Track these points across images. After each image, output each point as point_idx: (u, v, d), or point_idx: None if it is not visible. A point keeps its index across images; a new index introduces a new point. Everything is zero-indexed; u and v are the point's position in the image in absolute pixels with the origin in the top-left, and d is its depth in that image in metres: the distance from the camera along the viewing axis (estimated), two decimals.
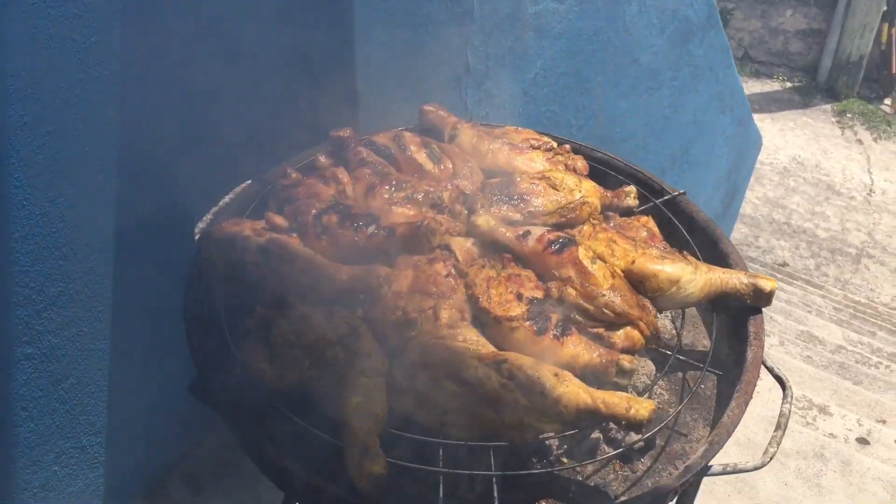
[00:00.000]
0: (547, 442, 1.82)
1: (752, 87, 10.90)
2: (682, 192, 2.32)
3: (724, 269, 2.00)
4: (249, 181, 2.29)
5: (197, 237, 2.16)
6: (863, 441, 4.40)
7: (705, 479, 1.97)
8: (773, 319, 6.20)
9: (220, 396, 1.79)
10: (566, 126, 3.75)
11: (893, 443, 4.39)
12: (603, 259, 1.96)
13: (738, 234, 8.43)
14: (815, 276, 8.14)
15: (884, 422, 4.76)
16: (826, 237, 8.67)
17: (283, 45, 2.63)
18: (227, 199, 2.26)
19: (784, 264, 8.25)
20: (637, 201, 2.24)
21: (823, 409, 4.66)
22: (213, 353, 1.90)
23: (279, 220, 2.00)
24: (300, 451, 1.73)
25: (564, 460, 1.85)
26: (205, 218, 2.20)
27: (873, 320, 7.05)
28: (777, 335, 5.97)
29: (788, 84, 11.18)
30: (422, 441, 1.70)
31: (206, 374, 1.83)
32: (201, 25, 2.70)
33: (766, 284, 1.95)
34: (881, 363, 5.85)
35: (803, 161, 9.76)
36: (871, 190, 9.37)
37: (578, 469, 1.83)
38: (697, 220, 2.26)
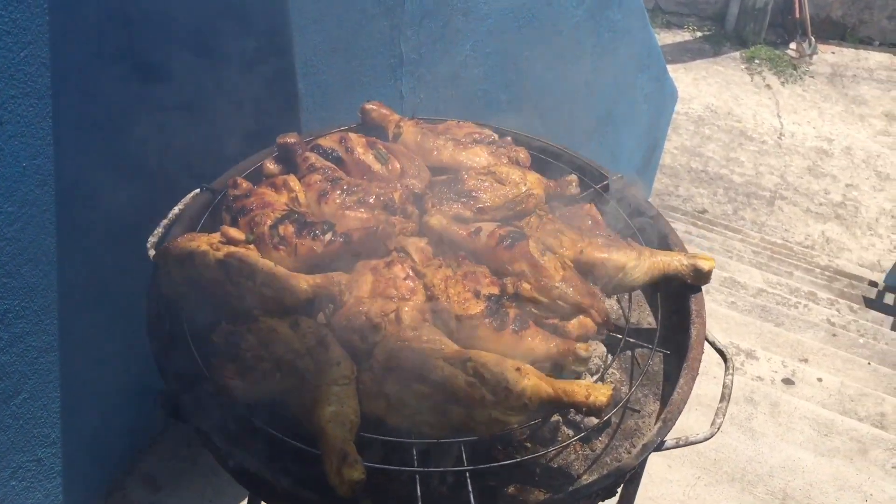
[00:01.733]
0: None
1: (664, 38, 11.13)
2: (619, 175, 2.42)
3: (666, 252, 2.12)
4: (197, 190, 2.30)
5: (150, 251, 2.16)
6: (788, 381, 4.68)
7: None
8: None
9: (194, 414, 1.82)
10: (497, 102, 3.82)
11: (816, 381, 4.68)
12: (552, 250, 2.05)
13: (658, 184, 8.69)
14: (734, 220, 8.47)
15: (806, 360, 5.05)
16: (741, 182, 9.01)
17: (221, 52, 2.62)
18: (176, 209, 2.26)
19: (703, 211, 8.55)
20: (579, 189, 2.34)
21: (750, 354, 4.92)
22: (182, 370, 1.93)
23: (235, 233, 2.02)
24: (277, 461, 1.79)
25: (528, 445, 1.96)
26: (156, 231, 2.20)
27: (790, 260, 7.41)
28: None
29: (699, 33, 11.46)
30: (395, 441, 1.78)
31: (179, 393, 1.85)
32: (134, 36, 2.66)
33: (705, 264, 2.08)
34: (800, 303, 6.18)
35: (716, 109, 10.07)
36: (781, 133, 9.75)
37: (543, 455, 1.94)
38: (636, 203, 2.37)
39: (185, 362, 1.94)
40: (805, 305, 6.19)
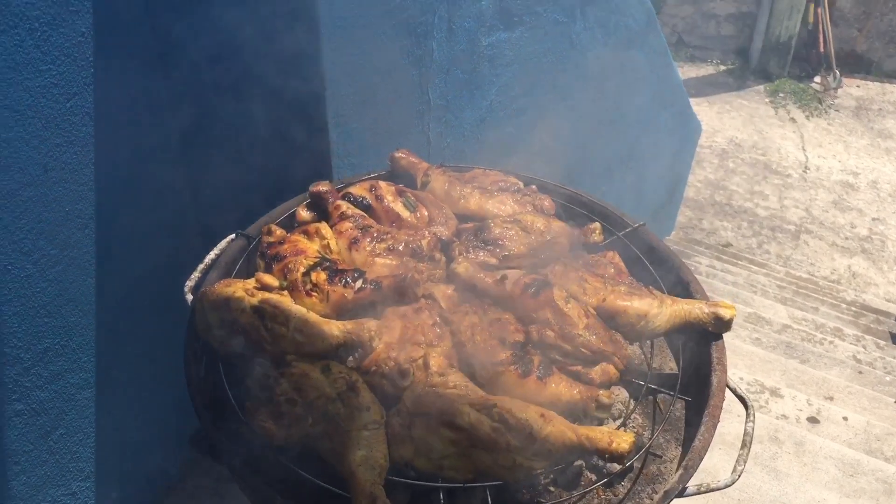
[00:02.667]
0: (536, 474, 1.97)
1: (688, 71, 11.20)
2: (642, 223, 2.48)
3: (687, 300, 2.17)
4: (233, 236, 2.38)
5: (188, 295, 2.24)
6: (813, 420, 4.67)
7: None
8: None
9: (227, 454, 1.89)
10: (522, 143, 3.90)
11: (842, 420, 4.67)
12: (576, 298, 2.11)
13: (682, 217, 8.71)
14: (758, 254, 8.46)
15: (831, 398, 5.04)
16: (766, 215, 8.99)
17: (258, 104, 2.72)
18: (212, 254, 2.34)
19: (728, 245, 8.55)
20: (602, 237, 2.40)
21: (775, 392, 4.91)
22: (217, 408, 2.01)
23: (269, 280, 2.10)
24: (308, 502, 1.85)
25: (552, 489, 2.00)
26: (193, 276, 2.28)
27: (815, 295, 7.38)
28: None
29: (722, 67, 11.51)
30: (422, 485, 1.83)
31: (212, 431, 1.92)
32: (173, 88, 2.77)
33: (726, 313, 2.13)
34: (825, 339, 6.15)
35: (741, 142, 10.08)
36: (806, 167, 9.74)
37: (565, 497, 1.98)
38: (658, 251, 2.43)
39: (220, 404, 2.02)
40: (831, 342, 6.17)
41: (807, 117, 10.57)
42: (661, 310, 2.11)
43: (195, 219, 3.02)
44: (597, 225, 2.40)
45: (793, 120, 10.52)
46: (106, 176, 2.67)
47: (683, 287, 2.32)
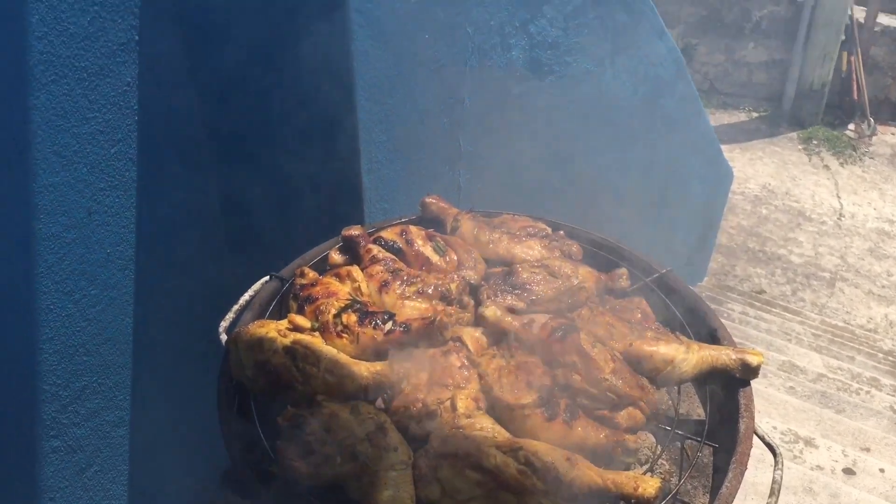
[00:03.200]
0: None
1: (719, 118, 11.22)
2: (669, 269, 2.50)
3: (714, 347, 2.18)
4: (266, 278, 2.45)
5: (222, 335, 2.30)
6: (849, 472, 4.58)
7: None
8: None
9: (258, 493, 1.92)
10: (551, 189, 3.95)
11: (878, 472, 4.57)
12: (603, 343, 2.13)
13: (715, 264, 8.65)
14: (792, 301, 8.36)
15: (868, 450, 4.94)
16: (800, 263, 8.91)
17: (294, 151, 2.82)
18: (246, 296, 2.40)
19: (761, 291, 8.46)
20: (629, 282, 2.42)
21: (809, 442, 4.83)
22: (248, 448, 2.04)
23: (301, 321, 2.15)
24: None
25: None
26: (227, 316, 2.34)
27: (851, 344, 7.26)
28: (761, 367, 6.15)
29: (755, 114, 11.52)
30: None
31: (244, 471, 1.96)
32: (214, 134, 2.87)
33: (753, 359, 2.13)
34: (861, 389, 6.05)
35: (774, 189, 10.04)
36: (840, 214, 9.65)
37: None
38: (686, 297, 2.44)
39: (251, 443, 2.06)
40: (867, 392, 6.06)
41: (841, 164, 10.51)
42: (688, 355, 2.12)
43: (231, 261, 3.10)
44: (623, 270, 2.43)
45: (827, 167, 10.46)
46: (146, 219, 2.76)
47: (711, 333, 2.33)
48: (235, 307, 2.38)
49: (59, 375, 2.68)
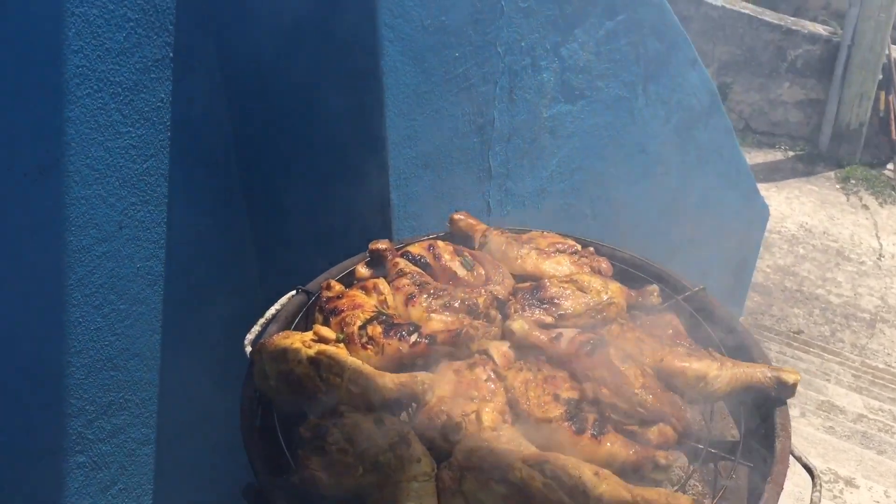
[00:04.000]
0: None
1: (755, 157, 11.12)
2: (701, 287, 2.45)
3: (748, 364, 2.12)
4: (293, 292, 2.44)
5: (247, 348, 2.29)
6: None
7: None
8: None
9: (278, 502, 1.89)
10: (582, 216, 3.92)
11: None
12: (633, 358, 2.08)
13: (751, 302, 8.51)
14: (831, 342, 8.17)
15: None
16: (839, 303, 8.73)
17: (324, 164, 2.83)
18: (272, 310, 2.39)
19: (799, 332, 8.29)
20: (660, 299, 2.37)
21: (850, 482, 4.68)
22: (270, 460, 2.01)
23: (327, 332, 2.13)
24: None
25: None
26: (253, 329, 2.33)
27: (893, 386, 7.07)
28: (798, 406, 6.01)
29: (791, 153, 11.41)
30: None
31: (264, 480, 1.93)
32: (242, 151, 2.90)
33: (789, 377, 2.06)
34: None
35: (811, 228, 9.89)
36: (880, 255, 9.47)
37: None
38: (718, 315, 2.38)
39: (273, 454, 2.03)
40: None
41: (880, 204, 10.33)
42: (721, 372, 2.06)
43: (258, 277, 3.10)
44: (654, 287, 2.38)
45: (865, 207, 10.30)
46: (176, 235, 2.78)
47: (745, 352, 2.26)
48: (261, 320, 2.37)
49: (86, 390, 2.68)
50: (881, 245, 9.63)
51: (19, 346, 2.43)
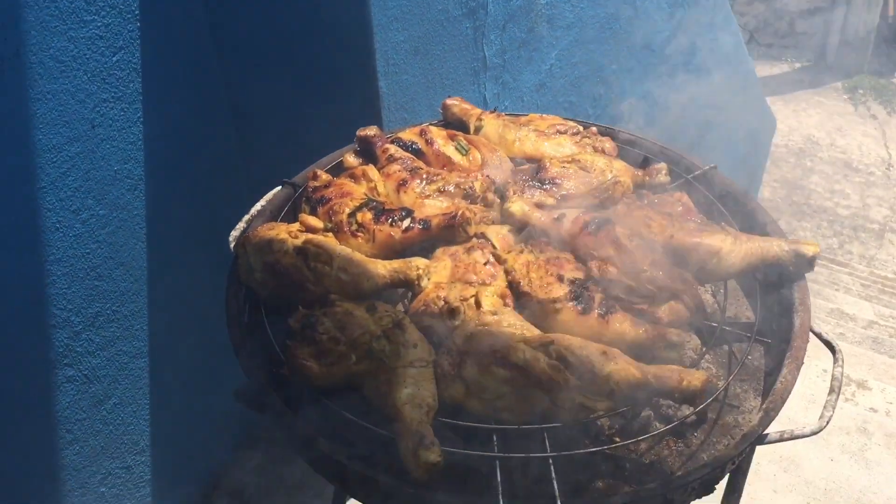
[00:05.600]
0: (598, 422, 1.81)
1: (761, 70, 10.82)
2: (713, 165, 2.31)
3: (764, 238, 1.99)
4: (279, 187, 2.30)
5: (232, 245, 2.16)
6: None
7: None
8: None
9: (269, 398, 1.78)
10: (584, 116, 3.74)
11: None
12: (641, 236, 1.95)
13: None
14: (840, 254, 8.06)
15: None
16: (847, 215, 8.58)
17: (303, 53, 2.65)
18: (258, 206, 2.26)
19: None
20: (669, 178, 2.23)
21: (862, 385, 4.61)
22: (259, 355, 1.91)
23: (313, 221, 2.00)
24: (353, 446, 1.73)
25: (617, 440, 1.83)
26: (238, 226, 2.20)
27: None
28: None
29: (797, 65, 11.11)
30: (475, 427, 1.69)
31: (254, 376, 1.82)
32: (221, 41, 2.73)
33: (808, 249, 1.93)
34: None
35: (818, 140, 9.69)
36: (889, 164, 9.28)
37: (632, 447, 1.81)
38: (731, 193, 2.25)
39: (262, 351, 1.92)
40: None
41: (889, 113, 10.09)
42: (735, 247, 1.93)
43: (245, 173, 2.95)
44: (663, 165, 2.23)
45: (874, 116, 10.06)
46: (155, 135, 2.63)
47: (760, 229, 2.13)
48: (246, 217, 2.24)
49: (69, 300, 2.56)
50: (890, 155, 9.43)
51: None
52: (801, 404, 4.17)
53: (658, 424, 1.85)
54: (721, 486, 1.91)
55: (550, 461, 1.62)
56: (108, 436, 2.88)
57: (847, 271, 7.48)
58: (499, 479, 1.60)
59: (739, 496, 2.00)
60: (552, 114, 3.29)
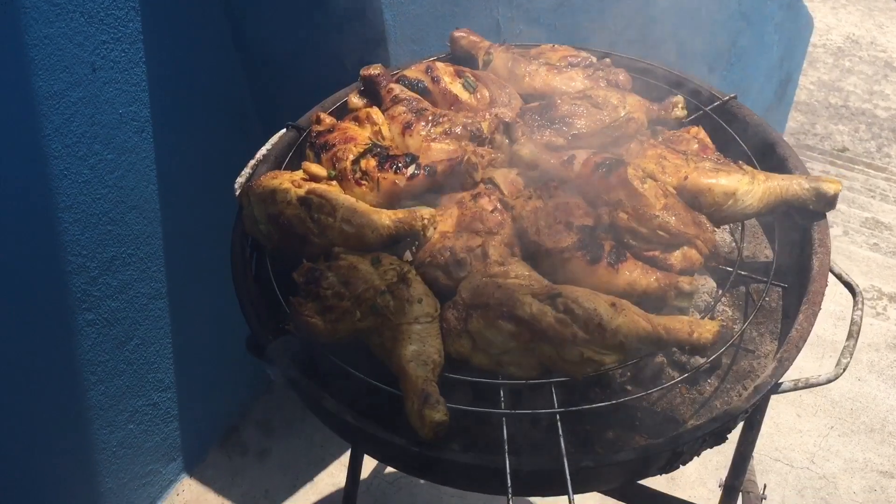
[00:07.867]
0: (610, 372, 1.78)
1: None
2: (732, 95, 2.20)
3: (783, 176, 1.90)
4: (283, 130, 2.24)
5: (237, 192, 2.12)
6: None
7: None
8: (836, 209, 6.01)
9: (276, 354, 1.78)
10: (606, 33, 3.58)
11: None
12: (653, 177, 1.87)
13: (793, 122, 8.12)
14: (877, 158, 7.82)
15: None
16: (887, 117, 8.29)
17: None
18: (263, 150, 2.21)
19: (844, 149, 7.93)
20: (686, 111, 2.13)
21: (893, 298, 4.52)
22: (265, 310, 1.89)
23: (317, 170, 1.95)
24: (361, 403, 1.73)
25: (628, 388, 1.81)
26: (243, 172, 2.16)
27: None
28: (841, 225, 5.79)
29: None
30: (481, 383, 1.68)
31: (259, 333, 1.81)
32: None
33: (830, 187, 1.85)
34: None
35: (858, 39, 9.28)
36: None
37: (643, 397, 1.79)
38: (751, 125, 2.15)
39: (269, 302, 1.90)
40: None
41: None
42: (753, 187, 1.85)
43: (253, 113, 2.90)
44: (679, 98, 2.13)
45: None
46: (159, 75, 2.57)
47: (780, 162, 2.04)
48: (252, 162, 2.19)
49: (83, 246, 2.57)
50: None
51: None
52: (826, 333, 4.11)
53: (671, 371, 1.83)
54: (735, 432, 1.88)
55: (558, 417, 1.60)
56: (132, 375, 2.94)
57: (884, 176, 7.27)
58: (505, 435, 1.59)
59: (754, 442, 1.98)
60: (571, 36, 3.16)
